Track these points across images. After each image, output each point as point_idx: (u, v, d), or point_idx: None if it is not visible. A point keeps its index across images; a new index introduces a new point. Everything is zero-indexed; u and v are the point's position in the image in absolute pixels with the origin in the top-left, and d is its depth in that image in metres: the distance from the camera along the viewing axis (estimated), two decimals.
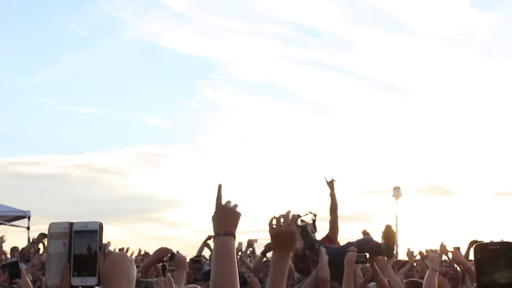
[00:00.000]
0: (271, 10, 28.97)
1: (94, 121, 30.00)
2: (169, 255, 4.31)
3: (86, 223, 1.55)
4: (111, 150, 30.02)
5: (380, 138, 30.57)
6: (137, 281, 3.26)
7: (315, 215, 3.00)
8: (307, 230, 5.96)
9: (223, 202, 2.40)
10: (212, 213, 2.40)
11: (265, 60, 29.79)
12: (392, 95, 31.32)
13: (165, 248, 4.35)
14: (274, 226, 2.50)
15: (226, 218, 2.36)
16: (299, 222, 2.71)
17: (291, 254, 2.59)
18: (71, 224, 1.55)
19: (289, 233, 2.46)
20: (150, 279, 3.22)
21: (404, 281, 6.03)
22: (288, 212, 2.50)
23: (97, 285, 1.53)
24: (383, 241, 5.81)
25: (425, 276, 4.97)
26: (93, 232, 1.54)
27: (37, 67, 29.66)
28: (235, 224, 2.38)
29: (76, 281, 1.52)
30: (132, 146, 32.36)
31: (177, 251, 4.53)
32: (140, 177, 29.69)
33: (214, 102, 31.20)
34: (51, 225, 1.56)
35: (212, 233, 2.36)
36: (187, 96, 33.79)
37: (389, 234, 5.80)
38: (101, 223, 1.56)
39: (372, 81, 31.46)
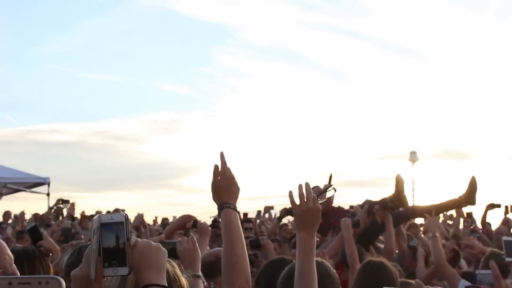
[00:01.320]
0: None
1: (111, 88, 29.98)
2: (192, 221, 4.20)
3: (111, 215, 1.60)
4: (128, 117, 30.06)
5: (396, 103, 30.28)
6: (162, 242, 3.15)
7: (335, 190, 2.91)
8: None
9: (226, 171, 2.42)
10: (217, 177, 2.42)
11: (280, 25, 29.42)
12: (408, 59, 30.85)
13: (187, 215, 4.26)
14: (298, 203, 2.44)
15: (233, 191, 2.41)
16: (324, 198, 2.64)
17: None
18: (99, 217, 1.59)
19: (315, 210, 2.41)
20: (174, 240, 3.09)
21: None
22: (309, 187, 2.44)
23: (128, 274, 1.59)
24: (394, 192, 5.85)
25: (430, 246, 4.99)
26: (119, 223, 1.58)
27: (52, 34, 29.60)
28: (237, 198, 2.43)
29: (108, 271, 1.57)
30: (149, 113, 32.38)
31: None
32: (157, 144, 29.72)
33: (229, 68, 30.96)
34: (93, 221, 1.61)
35: None
36: (203, 63, 33.58)
37: (399, 183, 5.85)
38: (126, 215, 1.61)
39: (388, 45, 30.96)
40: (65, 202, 11.02)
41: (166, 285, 1.62)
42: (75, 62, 29.47)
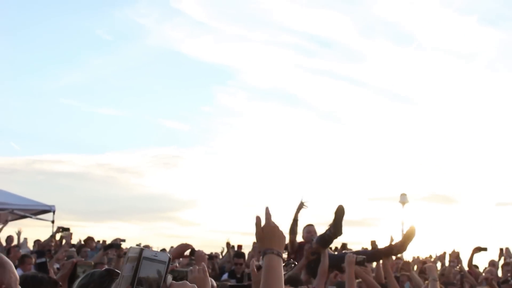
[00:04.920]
0: (286, 21, 28.96)
1: (115, 123, 30.23)
2: (189, 250, 4.34)
3: (156, 252, 1.60)
4: (130, 151, 30.17)
5: (387, 147, 30.48)
6: (172, 271, 3.31)
7: (294, 264, 3.12)
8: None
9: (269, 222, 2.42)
10: (260, 227, 2.41)
11: (279, 69, 29.86)
12: (400, 105, 31.23)
13: (185, 243, 4.33)
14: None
15: (279, 239, 2.39)
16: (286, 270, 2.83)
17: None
18: (142, 250, 1.58)
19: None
20: (184, 269, 3.25)
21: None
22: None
23: None
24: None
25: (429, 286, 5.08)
26: (162, 262, 1.58)
27: (62, 69, 30.00)
28: (283, 246, 2.42)
29: None
30: (150, 147, 32.58)
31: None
32: (157, 177, 29.85)
33: (229, 107, 31.33)
34: (130, 249, 1.59)
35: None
36: (204, 102, 33.96)
37: (338, 213, 6.12)
38: (170, 257, 1.61)
39: (381, 91, 31.36)
40: (65, 230, 11.12)
41: None
42: (82, 96, 29.87)
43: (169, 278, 1.59)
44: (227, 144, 31.16)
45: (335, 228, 6.11)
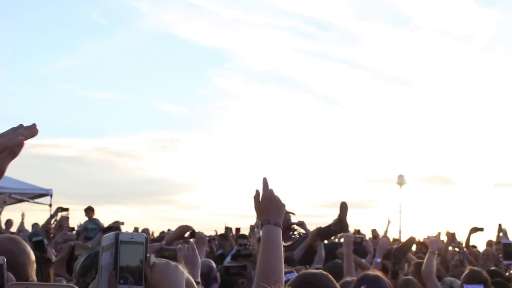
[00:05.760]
0: (283, 4, 28.84)
1: (112, 107, 30.12)
2: (190, 232, 4.26)
3: (132, 234, 1.55)
4: (128, 135, 30.15)
5: (385, 128, 30.50)
6: (161, 249, 3.22)
7: (300, 235, 3.05)
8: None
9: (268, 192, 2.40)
10: (258, 200, 2.39)
11: (276, 52, 29.72)
12: (397, 87, 31.16)
13: (186, 225, 4.27)
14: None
15: (276, 208, 2.37)
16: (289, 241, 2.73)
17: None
18: (117, 234, 1.54)
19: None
20: (173, 247, 3.17)
21: (413, 262, 6.08)
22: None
23: None
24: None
25: (425, 258, 5.13)
26: (139, 243, 1.54)
27: (58, 54, 29.77)
28: (282, 216, 2.39)
29: None
30: (148, 131, 32.43)
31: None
32: (155, 161, 29.85)
33: (226, 90, 31.18)
34: (102, 238, 1.54)
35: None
36: (201, 85, 33.81)
37: (342, 209, 6.18)
38: (147, 236, 1.56)
39: (378, 73, 31.32)
40: (65, 210, 11.05)
41: None
42: (79, 81, 29.70)
43: (152, 258, 1.55)
44: (224, 127, 31.11)
45: (341, 225, 6.18)
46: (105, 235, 1.55)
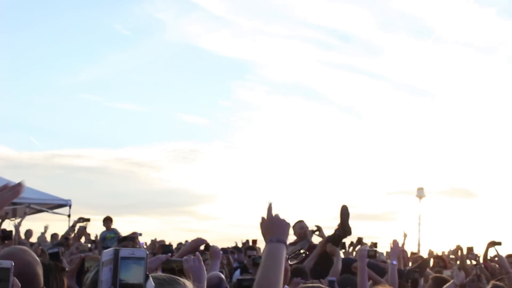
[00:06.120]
0: (305, 15, 28.71)
1: (134, 117, 30.27)
2: (204, 245, 4.22)
3: (133, 250, 1.54)
4: (149, 146, 30.14)
5: (406, 140, 30.18)
6: (168, 261, 3.18)
7: (306, 254, 3.07)
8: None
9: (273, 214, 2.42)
10: (262, 222, 2.41)
11: (298, 63, 29.68)
12: (419, 98, 30.86)
13: (200, 238, 4.27)
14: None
15: (279, 227, 2.38)
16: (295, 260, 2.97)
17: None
18: (117, 250, 1.53)
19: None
20: (180, 259, 3.12)
21: (431, 276, 5.96)
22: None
23: None
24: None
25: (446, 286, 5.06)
26: (140, 259, 1.52)
27: (81, 64, 30.07)
28: (287, 234, 2.40)
29: None
30: (169, 142, 32.58)
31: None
32: (175, 172, 29.87)
33: (248, 102, 31.20)
34: (103, 254, 1.53)
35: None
36: (223, 96, 33.88)
37: (343, 213, 6.18)
38: (148, 252, 1.54)
39: (400, 85, 31.03)
40: (86, 220, 11.09)
41: None
42: (102, 91, 29.89)
43: (150, 281, 1.52)
44: (246, 139, 31.08)
45: (344, 229, 6.21)
46: (105, 251, 1.54)
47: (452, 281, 5.03)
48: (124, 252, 1.52)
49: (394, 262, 5.10)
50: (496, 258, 5.98)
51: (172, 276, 1.68)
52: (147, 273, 1.51)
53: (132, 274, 1.50)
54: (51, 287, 2.86)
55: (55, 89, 28.42)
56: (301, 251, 3.13)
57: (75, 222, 10.96)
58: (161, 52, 30.31)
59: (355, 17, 27.95)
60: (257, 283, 2.23)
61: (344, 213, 6.23)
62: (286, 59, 29.39)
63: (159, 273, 1.56)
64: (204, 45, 30.79)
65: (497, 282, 4.96)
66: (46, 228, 11.76)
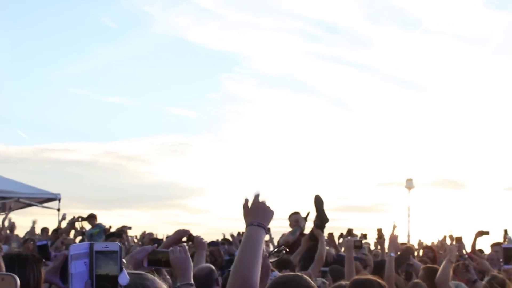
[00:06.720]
0: (293, 7, 28.73)
1: (122, 111, 30.26)
2: (187, 236, 4.23)
3: (106, 243, 1.57)
4: (138, 139, 30.15)
5: (395, 132, 30.32)
6: (154, 252, 3.20)
7: (286, 251, 3.16)
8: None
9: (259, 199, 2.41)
10: (246, 206, 2.40)
11: (286, 55, 29.68)
12: (407, 90, 31.01)
13: (183, 229, 4.25)
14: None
15: (263, 212, 2.36)
16: (274, 258, 2.98)
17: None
18: (92, 244, 1.56)
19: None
20: (165, 250, 3.14)
21: (422, 267, 6.00)
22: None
23: None
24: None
25: (442, 265, 5.05)
26: (114, 252, 1.55)
27: (68, 58, 29.95)
28: (269, 221, 2.38)
29: None
30: (158, 135, 32.53)
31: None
32: (165, 165, 29.90)
33: (236, 94, 31.19)
34: (71, 247, 1.56)
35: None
36: (211, 89, 33.86)
37: (316, 203, 6.29)
38: (121, 245, 1.59)
39: (388, 77, 31.16)
40: (84, 219, 11.10)
41: None
42: (90, 85, 29.85)
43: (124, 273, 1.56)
44: (234, 131, 31.12)
45: (320, 218, 6.25)
46: (74, 245, 1.57)
47: (447, 257, 5.02)
48: (98, 246, 1.55)
49: (392, 254, 5.19)
50: (477, 264, 6.03)
51: (141, 272, 1.71)
52: (122, 266, 1.54)
53: (107, 267, 1.54)
54: (28, 278, 2.83)
55: (43, 83, 28.37)
56: (282, 247, 3.16)
57: (73, 221, 10.94)
58: (149, 45, 30.30)
59: (343, 8, 27.99)
60: (234, 267, 2.23)
61: (318, 202, 6.30)
62: (274, 52, 29.46)
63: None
64: (192, 38, 30.78)
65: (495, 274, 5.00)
66: (34, 222, 11.72)
